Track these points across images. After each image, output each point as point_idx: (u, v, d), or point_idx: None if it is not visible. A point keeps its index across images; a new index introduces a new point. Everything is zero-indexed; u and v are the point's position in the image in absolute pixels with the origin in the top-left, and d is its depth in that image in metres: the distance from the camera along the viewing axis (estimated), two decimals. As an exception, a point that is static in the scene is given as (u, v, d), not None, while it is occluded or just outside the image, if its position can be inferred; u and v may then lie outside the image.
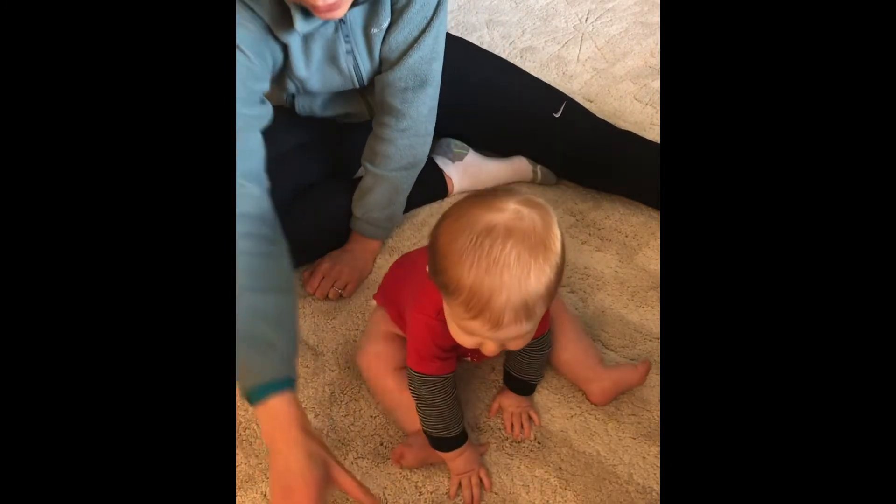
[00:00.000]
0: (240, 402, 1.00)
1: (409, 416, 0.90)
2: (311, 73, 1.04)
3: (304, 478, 0.74)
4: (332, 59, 1.03)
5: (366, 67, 1.06)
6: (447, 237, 0.69)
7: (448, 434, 0.86)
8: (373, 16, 0.99)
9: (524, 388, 0.94)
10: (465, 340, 0.73)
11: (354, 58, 1.03)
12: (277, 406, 0.77)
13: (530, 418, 0.95)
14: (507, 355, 0.93)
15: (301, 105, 1.16)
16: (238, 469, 0.93)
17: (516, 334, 0.70)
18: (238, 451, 0.95)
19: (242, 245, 0.83)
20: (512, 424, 0.94)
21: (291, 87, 1.08)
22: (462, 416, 0.88)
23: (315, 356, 1.05)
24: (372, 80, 1.09)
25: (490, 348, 0.73)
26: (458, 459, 0.87)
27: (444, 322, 0.77)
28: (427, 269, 0.73)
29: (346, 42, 1.01)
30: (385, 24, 1.00)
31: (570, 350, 0.95)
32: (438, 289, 0.71)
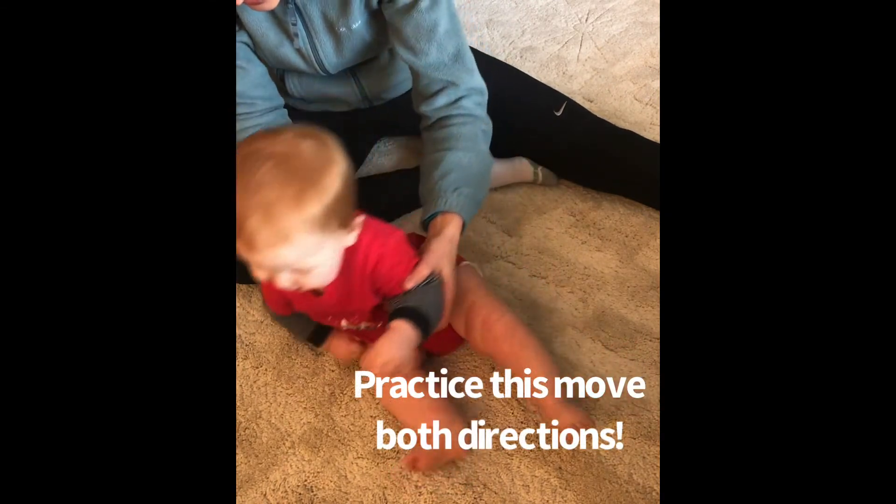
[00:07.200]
0: (240, 402, 1.00)
1: (411, 419, 0.90)
2: (263, 31, 1.01)
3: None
4: (285, 35, 1.02)
5: (331, 61, 1.06)
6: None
7: (304, 336, 1.00)
8: (340, 13, 0.98)
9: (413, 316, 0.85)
10: (255, 270, 0.74)
11: (315, 47, 1.03)
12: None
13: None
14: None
15: (291, 85, 1.16)
16: (238, 469, 0.93)
17: (276, 261, 0.71)
18: (238, 451, 0.95)
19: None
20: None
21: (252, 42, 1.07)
22: (308, 324, 0.97)
23: (315, 356, 1.05)
24: (358, 65, 1.11)
25: (262, 275, 0.74)
26: (334, 348, 1.00)
27: None
28: None
29: (294, 25, 0.99)
30: (355, 26, 1.00)
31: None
32: None
